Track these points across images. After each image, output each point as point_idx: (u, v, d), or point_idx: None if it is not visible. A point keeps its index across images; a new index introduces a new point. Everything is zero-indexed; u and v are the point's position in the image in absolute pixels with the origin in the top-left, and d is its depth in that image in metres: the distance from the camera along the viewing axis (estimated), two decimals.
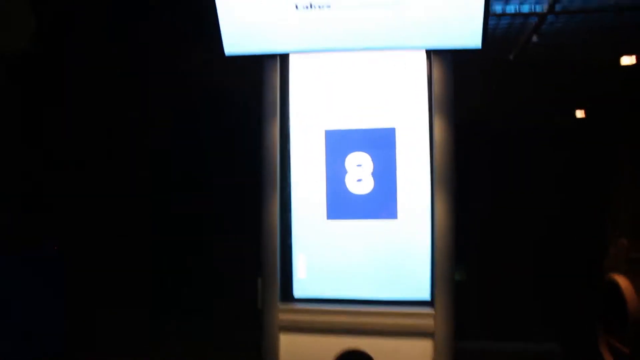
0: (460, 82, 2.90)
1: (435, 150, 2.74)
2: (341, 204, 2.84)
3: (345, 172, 2.83)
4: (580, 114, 4.49)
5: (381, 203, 2.81)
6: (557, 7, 3.13)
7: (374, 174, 2.81)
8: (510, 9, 3.21)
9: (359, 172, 2.82)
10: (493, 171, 4.30)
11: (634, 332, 3.96)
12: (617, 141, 4.38)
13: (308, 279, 2.84)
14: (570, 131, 4.51)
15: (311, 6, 2.61)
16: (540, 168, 4.45)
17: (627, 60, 3.74)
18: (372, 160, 2.81)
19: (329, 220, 2.84)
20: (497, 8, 3.20)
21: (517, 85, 3.83)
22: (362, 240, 2.81)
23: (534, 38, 3.39)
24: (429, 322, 2.70)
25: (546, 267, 4.45)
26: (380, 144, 2.80)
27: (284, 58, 2.84)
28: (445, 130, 2.75)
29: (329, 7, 2.62)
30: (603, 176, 4.49)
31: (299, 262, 2.85)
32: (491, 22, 3.22)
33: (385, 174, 2.80)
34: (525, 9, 3.19)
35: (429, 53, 2.76)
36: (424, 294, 2.76)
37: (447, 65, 2.76)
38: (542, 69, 3.61)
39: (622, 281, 4.15)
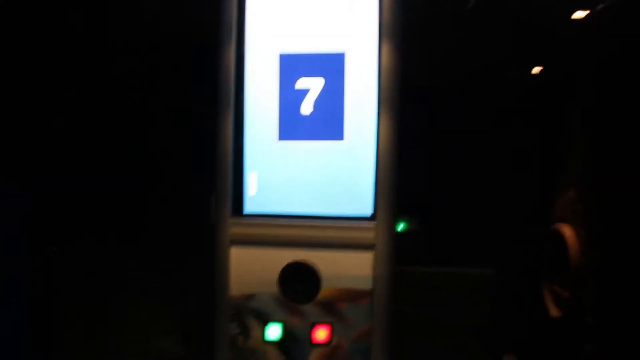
0: (416, 27, 3.05)
1: (382, 75, 2.89)
2: (292, 126, 2.98)
3: (296, 95, 2.96)
4: (536, 68, 4.67)
5: (329, 125, 2.96)
6: None
7: (323, 97, 2.95)
8: None
9: (310, 96, 2.95)
10: (442, 122, 4.47)
11: (574, 278, 4.20)
12: (570, 94, 4.59)
13: (258, 196, 2.99)
14: (523, 83, 4.69)
15: None
16: (491, 118, 4.64)
17: (581, 13, 3.85)
18: (323, 84, 2.94)
19: (280, 141, 2.98)
20: None
21: (473, 34, 3.99)
22: (311, 160, 2.96)
23: None
24: (370, 235, 2.87)
25: (494, 214, 4.66)
26: (330, 68, 2.94)
27: None
28: (393, 56, 2.90)
29: None
30: (553, 129, 4.70)
31: (250, 180, 2.98)
32: None
33: (334, 97, 2.94)
34: None
35: None
36: (367, 210, 2.93)
37: None
38: (499, 18, 3.76)
39: (567, 230, 4.38)
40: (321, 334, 2.91)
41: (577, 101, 4.48)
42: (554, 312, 4.48)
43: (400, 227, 3.11)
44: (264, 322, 2.94)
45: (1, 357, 3.32)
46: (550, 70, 4.67)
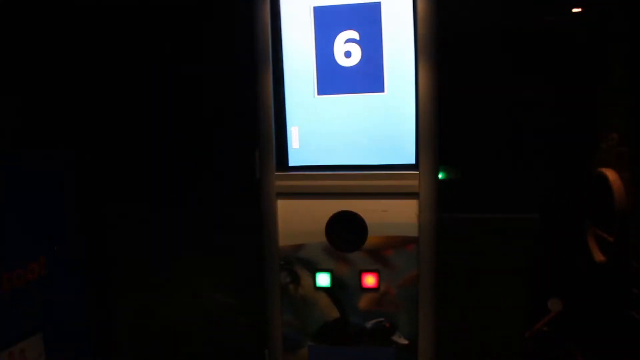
0: None
1: (418, 23, 2.87)
2: (331, 80, 3.01)
3: (333, 47, 2.97)
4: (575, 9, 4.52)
5: (369, 77, 2.97)
6: None
7: (361, 49, 2.95)
8: None
9: (347, 47, 2.96)
10: (480, 74, 4.39)
11: (619, 222, 4.16)
12: (611, 37, 4.45)
13: (301, 149, 3.05)
14: (561, 29, 4.56)
15: None
16: (531, 67, 4.54)
17: None
18: (360, 35, 2.95)
19: (319, 96, 3.01)
20: None
21: None
22: (352, 112, 3.00)
23: None
24: (414, 183, 2.91)
25: (537, 160, 4.61)
26: (366, 18, 2.93)
27: None
28: (428, 3, 2.87)
29: None
30: (595, 70, 4.58)
31: (292, 134, 3.05)
32: None
33: (372, 48, 2.95)
34: None
35: None
36: (410, 159, 2.96)
37: None
38: None
39: (611, 174, 4.32)
40: (369, 280, 3.00)
41: (620, 40, 4.34)
42: (598, 256, 4.46)
43: (441, 175, 3.13)
44: (313, 271, 3.05)
45: (62, 318, 3.54)
46: (592, 10, 4.51)
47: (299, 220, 3.02)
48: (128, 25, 4.26)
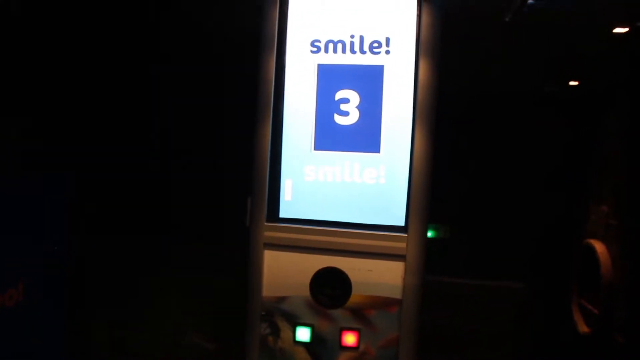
0: (453, 41, 3.08)
1: (419, 89, 2.94)
2: (328, 137, 3.05)
3: (334, 105, 3.03)
4: (572, 82, 4.64)
5: (366, 137, 3.02)
6: None
7: (360, 109, 3.02)
8: None
9: (347, 107, 3.02)
10: (477, 135, 4.48)
11: (605, 295, 4.16)
12: (604, 112, 4.55)
13: (293, 201, 3.07)
14: (559, 99, 4.67)
15: None
16: (526, 134, 4.63)
17: (620, 29, 3.81)
18: (360, 95, 3.01)
19: (316, 151, 3.06)
20: None
21: (510, 48, 3.99)
22: (346, 170, 3.03)
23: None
24: (401, 245, 2.93)
25: (528, 228, 4.65)
26: (368, 79, 3.00)
27: None
28: (430, 72, 2.95)
29: None
30: (587, 145, 4.66)
31: (285, 187, 3.07)
32: None
33: (371, 109, 3.01)
34: None
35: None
36: (399, 221, 2.98)
37: (436, 10, 2.96)
38: (536, 32, 3.76)
39: (599, 246, 4.35)
40: (349, 338, 2.98)
41: (612, 117, 4.44)
42: (582, 328, 4.45)
43: (430, 234, 3.15)
44: (294, 325, 3.03)
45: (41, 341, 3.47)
46: (585, 86, 4.63)
47: (284, 272, 3.02)
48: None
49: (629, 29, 3.56)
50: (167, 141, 4.67)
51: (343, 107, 3.02)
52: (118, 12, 3.92)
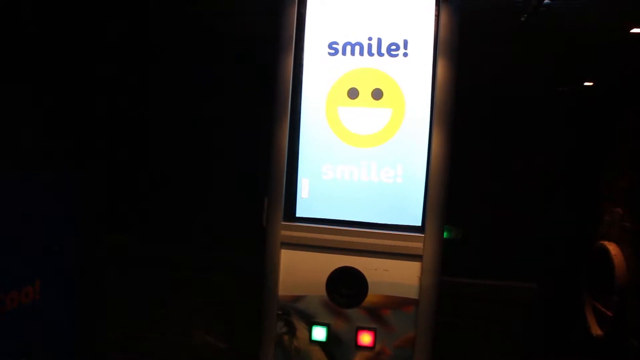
0: (469, 44, 3.08)
1: (437, 91, 2.94)
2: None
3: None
4: (586, 83, 4.62)
5: (383, 138, 3.02)
6: None
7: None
8: None
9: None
10: (493, 138, 4.47)
11: (619, 297, 4.14)
12: (619, 112, 4.53)
13: (310, 200, 3.08)
14: (572, 99, 4.66)
15: None
16: (538, 134, 4.61)
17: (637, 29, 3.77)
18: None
19: (333, 150, 3.06)
20: None
21: (526, 50, 3.99)
22: (363, 169, 3.03)
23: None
24: (418, 245, 2.93)
25: (541, 229, 4.63)
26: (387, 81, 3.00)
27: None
28: (448, 73, 2.94)
29: None
30: (602, 146, 4.64)
31: (302, 186, 3.08)
32: None
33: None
34: None
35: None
36: (416, 220, 2.98)
37: (455, 10, 2.95)
38: (551, 34, 3.75)
39: (613, 248, 4.33)
40: (365, 338, 2.98)
41: (628, 116, 4.42)
42: (595, 330, 4.43)
43: (444, 235, 3.14)
44: (310, 324, 3.03)
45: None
46: (600, 85, 4.61)
47: (300, 271, 3.03)
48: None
49: None
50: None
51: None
52: None
